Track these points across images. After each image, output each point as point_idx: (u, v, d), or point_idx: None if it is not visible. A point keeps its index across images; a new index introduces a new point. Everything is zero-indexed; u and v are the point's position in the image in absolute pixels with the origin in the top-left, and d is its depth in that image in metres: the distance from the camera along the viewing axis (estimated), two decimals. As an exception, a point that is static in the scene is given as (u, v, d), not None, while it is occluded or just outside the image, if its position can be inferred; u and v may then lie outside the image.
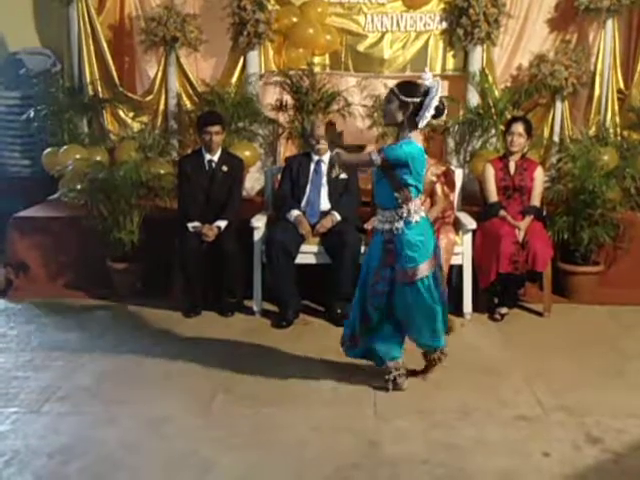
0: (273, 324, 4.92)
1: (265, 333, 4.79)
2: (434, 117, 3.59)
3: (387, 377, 3.85)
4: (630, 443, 3.36)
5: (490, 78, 6.15)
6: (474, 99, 6.15)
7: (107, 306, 5.27)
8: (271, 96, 6.34)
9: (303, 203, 5.14)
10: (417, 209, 3.67)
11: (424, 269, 3.67)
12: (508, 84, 6.27)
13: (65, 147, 6.01)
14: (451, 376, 4.07)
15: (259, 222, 5.07)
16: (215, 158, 5.18)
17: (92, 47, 6.30)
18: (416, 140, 3.60)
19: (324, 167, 5.14)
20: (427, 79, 3.55)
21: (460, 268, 5.05)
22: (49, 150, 6.14)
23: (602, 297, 5.30)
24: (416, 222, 3.66)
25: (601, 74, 6.11)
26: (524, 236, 4.96)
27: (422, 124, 3.57)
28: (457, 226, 5.12)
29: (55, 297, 5.44)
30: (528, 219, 5.05)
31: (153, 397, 3.83)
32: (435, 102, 3.51)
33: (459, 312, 5.01)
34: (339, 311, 4.90)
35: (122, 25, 6.50)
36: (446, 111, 3.66)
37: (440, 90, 3.53)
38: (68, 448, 3.33)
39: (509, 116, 5.70)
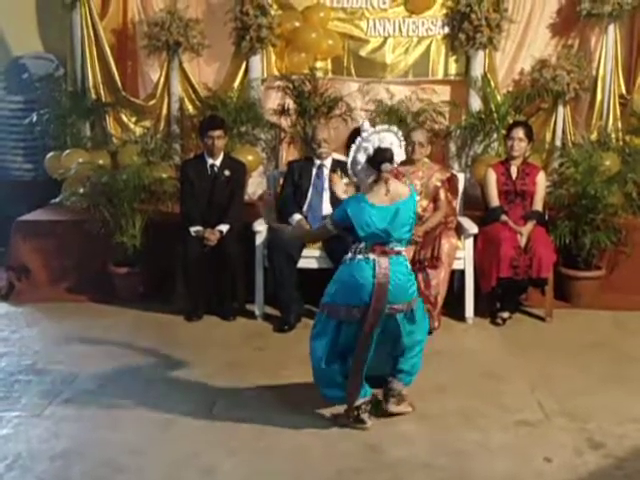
0: (275, 328, 4.93)
1: (267, 337, 4.80)
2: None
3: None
4: (632, 448, 3.35)
5: (492, 83, 6.15)
6: (476, 104, 6.16)
7: (109, 310, 5.27)
8: (273, 101, 6.35)
9: (305, 207, 5.15)
10: (356, 249, 3.48)
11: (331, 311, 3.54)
12: (510, 89, 6.27)
13: (68, 151, 6.02)
14: (453, 380, 4.08)
15: (261, 226, 5.08)
16: (217, 162, 5.19)
17: (95, 52, 6.30)
18: (370, 194, 3.43)
19: (326, 171, 5.15)
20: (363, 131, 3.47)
21: (462, 273, 5.05)
22: (52, 154, 6.16)
23: (604, 302, 5.29)
24: (345, 260, 3.54)
25: (603, 79, 6.11)
26: (527, 242, 4.96)
27: (354, 179, 3.57)
28: (459, 231, 5.12)
29: (57, 301, 5.45)
30: (530, 224, 5.05)
31: (155, 401, 3.82)
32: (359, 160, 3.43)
33: (461, 317, 5.02)
34: (341, 315, 4.90)
35: (125, 30, 6.51)
36: (393, 159, 3.43)
37: (372, 142, 3.39)
38: (70, 452, 3.33)
39: (511, 121, 5.70)
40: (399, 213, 3.43)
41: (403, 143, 3.52)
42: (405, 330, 3.54)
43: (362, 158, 3.43)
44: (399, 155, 3.49)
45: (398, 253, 3.49)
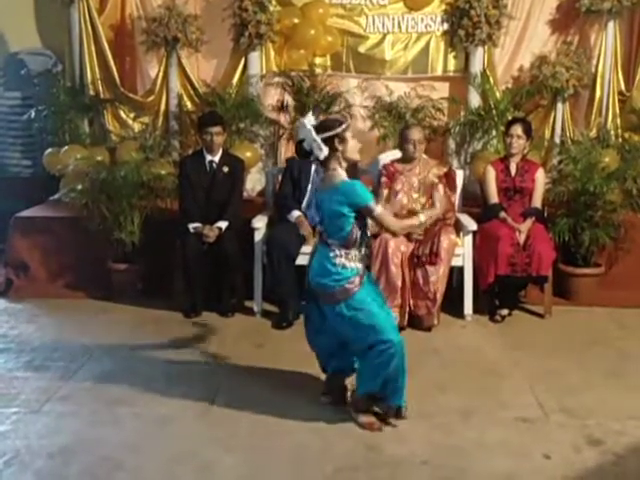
0: (273, 325, 4.92)
1: (265, 334, 4.80)
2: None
3: None
4: (631, 445, 3.36)
5: (491, 79, 6.15)
6: (475, 100, 6.15)
7: (107, 307, 5.27)
8: (272, 97, 6.34)
9: (304, 204, 5.14)
10: None
11: None
12: (509, 85, 6.27)
13: (66, 147, 6.02)
14: (452, 377, 4.08)
15: (260, 223, 5.08)
16: (216, 159, 5.18)
17: (93, 47, 6.29)
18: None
19: (325, 168, 5.14)
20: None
21: (461, 269, 5.05)
22: (50, 150, 6.15)
23: (603, 299, 5.29)
24: None
25: (602, 76, 6.11)
26: (527, 239, 4.96)
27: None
28: (458, 227, 5.12)
29: (55, 297, 5.44)
30: (529, 221, 5.04)
31: (153, 398, 3.83)
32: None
33: (460, 314, 5.01)
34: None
35: (123, 25, 6.49)
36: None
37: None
38: (68, 448, 3.33)
39: (510, 117, 5.70)
40: (321, 202, 3.55)
41: (317, 136, 3.42)
42: (344, 324, 3.45)
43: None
44: (315, 145, 3.43)
45: (326, 244, 3.49)
